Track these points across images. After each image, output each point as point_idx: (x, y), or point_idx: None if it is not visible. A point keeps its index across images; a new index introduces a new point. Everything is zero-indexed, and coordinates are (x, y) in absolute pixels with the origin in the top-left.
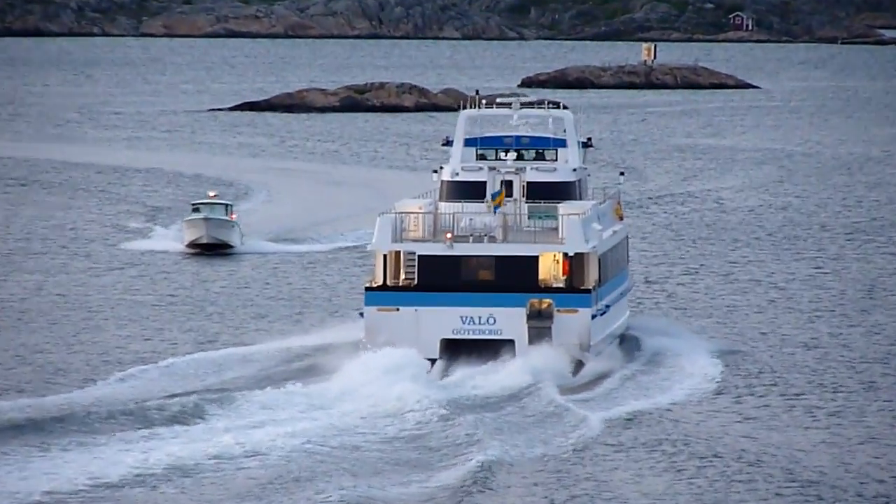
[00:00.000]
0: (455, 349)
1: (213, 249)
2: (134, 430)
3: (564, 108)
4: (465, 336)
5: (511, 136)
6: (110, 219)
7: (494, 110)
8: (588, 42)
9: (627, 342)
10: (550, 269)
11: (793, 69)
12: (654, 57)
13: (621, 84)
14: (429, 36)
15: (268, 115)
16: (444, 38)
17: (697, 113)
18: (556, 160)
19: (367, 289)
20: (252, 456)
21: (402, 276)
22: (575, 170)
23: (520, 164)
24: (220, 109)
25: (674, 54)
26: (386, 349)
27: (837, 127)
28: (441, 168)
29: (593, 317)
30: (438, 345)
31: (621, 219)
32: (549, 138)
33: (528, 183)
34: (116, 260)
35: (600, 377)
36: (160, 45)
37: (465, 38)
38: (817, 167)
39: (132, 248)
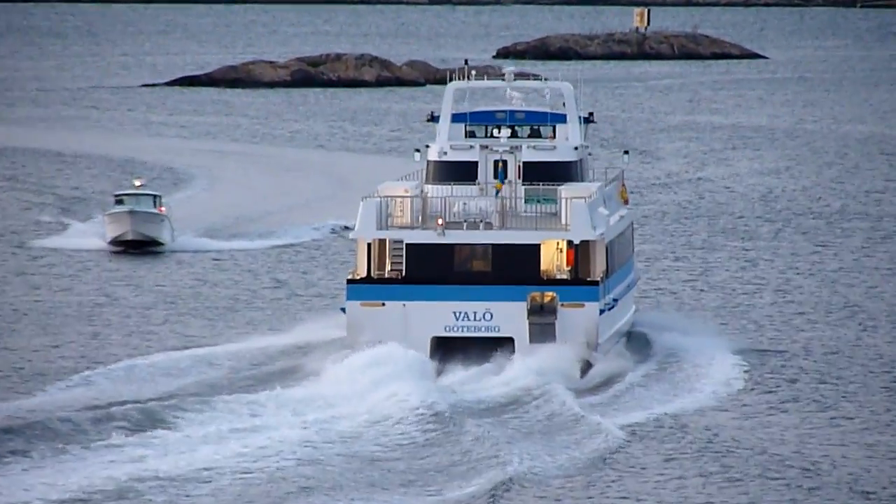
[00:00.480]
0: (447, 348)
1: (139, 247)
2: (97, 440)
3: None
4: (459, 333)
5: (504, 111)
6: (19, 212)
7: (485, 82)
8: (573, 7)
9: (635, 340)
10: (553, 258)
11: (805, 36)
12: (648, 23)
13: (610, 54)
14: (391, 1)
15: (209, 90)
16: (409, 3)
17: (698, 87)
18: (556, 137)
19: (349, 281)
20: (240, 467)
21: (389, 268)
22: (576, 148)
23: (515, 141)
24: (154, 85)
25: (670, 20)
26: (382, 346)
27: (857, 102)
28: (427, 147)
29: (601, 312)
30: (429, 343)
31: (626, 203)
32: (546, 113)
33: (525, 163)
34: (26, 260)
35: (612, 379)
36: (93, 13)
37: (432, 2)
38: (834, 147)
39: (44, 245)
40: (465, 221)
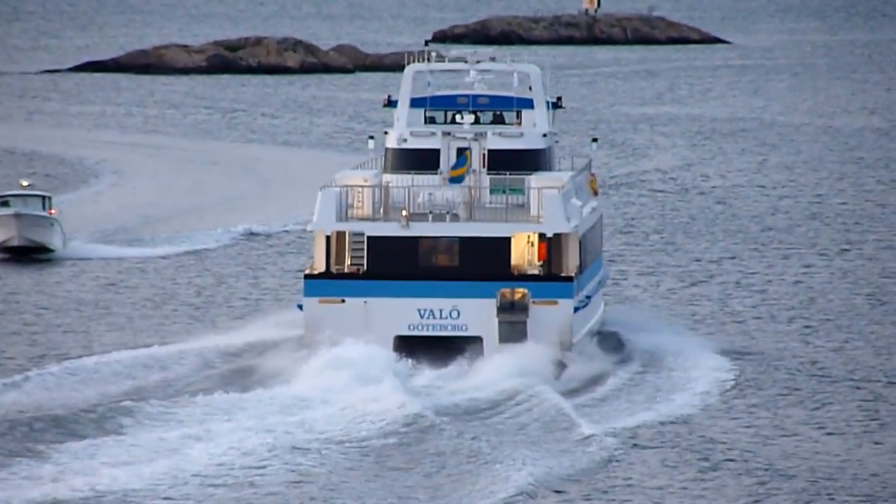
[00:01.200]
0: (411, 348)
1: (25, 253)
2: (45, 446)
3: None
4: (424, 332)
5: (466, 95)
6: None
7: (447, 64)
8: None
9: (607, 340)
10: (524, 252)
11: (772, 19)
12: (599, 5)
13: (557, 39)
14: None
15: (117, 76)
16: None
17: (653, 74)
18: (522, 123)
19: (306, 276)
20: (210, 475)
21: (348, 262)
22: (545, 135)
23: (479, 128)
24: (56, 71)
25: (623, 2)
26: (353, 344)
27: (830, 91)
28: (385, 133)
29: (575, 310)
30: (392, 343)
31: (596, 194)
32: (511, 98)
33: (490, 151)
34: None
35: (594, 381)
36: None
37: None
38: (805, 141)
39: None
40: (431, 213)
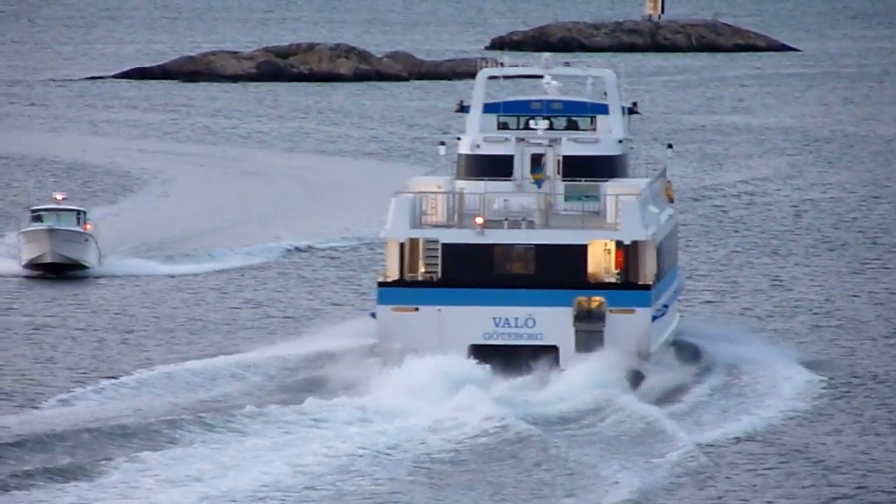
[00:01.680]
0: (485, 357)
1: (59, 271)
2: (144, 452)
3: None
4: (499, 341)
5: (540, 101)
6: None
7: (521, 69)
8: None
9: (684, 350)
10: (601, 260)
11: (842, 25)
12: (662, 10)
13: (619, 46)
14: None
15: (164, 84)
16: None
17: (719, 83)
18: (596, 129)
19: (380, 284)
20: (309, 480)
21: (422, 270)
22: (620, 141)
23: (554, 134)
24: (102, 77)
25: (687, 6)
26: (431, 354)
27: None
28: (458, 139)
29: (653, 318)
30: (466, 351)
31: (672, 201)
32: (586, 103)
33: (565, 157)
34: None
35: (676, 392)
36: None
37: None
38: (876, 152)
39: None
40: (506, 220)
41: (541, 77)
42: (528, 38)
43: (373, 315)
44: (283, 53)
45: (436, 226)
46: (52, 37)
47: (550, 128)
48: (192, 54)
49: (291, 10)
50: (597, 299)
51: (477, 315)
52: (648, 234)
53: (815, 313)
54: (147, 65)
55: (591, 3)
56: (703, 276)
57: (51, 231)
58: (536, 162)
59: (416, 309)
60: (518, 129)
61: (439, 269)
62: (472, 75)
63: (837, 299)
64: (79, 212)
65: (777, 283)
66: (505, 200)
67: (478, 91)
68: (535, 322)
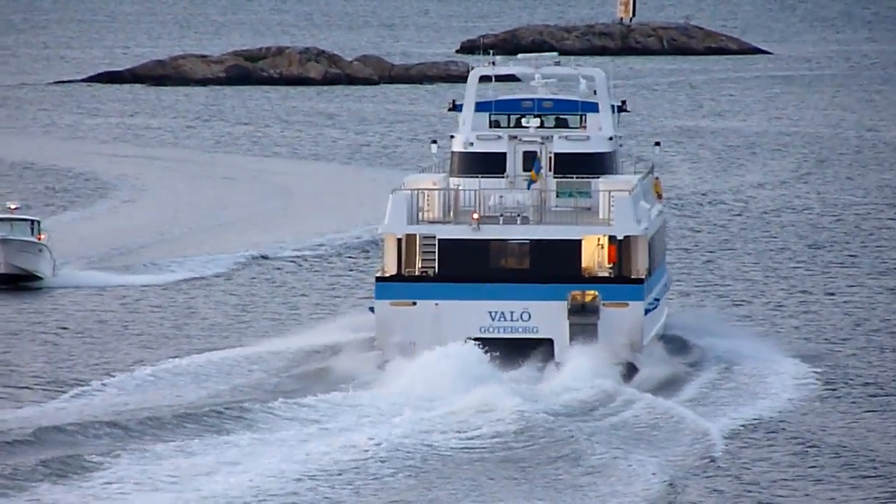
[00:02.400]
0: (481, 350)
1: (12, 281)
2: (150, 445)
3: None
4: (495, 335)
5: (531, 99)
6: None
7: (512, 68)
8: None
9: (672, 343)
10: (594, 255)
11: (814, 28)
12: (633, 14)
13: (590, 49)
14: None
15: (132, 88)
16: None
17: (690, 87)
18: (586, 127)
19: (378, 279)
20: (328, 475)
21: (419, 265)
22: (611, 138)
23: (546, 131)
24: (69, 81)
25: (659, 10)
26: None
27: (876, 104)
28: (451, 137)
29: (646, 312)
30: (461, 344)
31: (660, 198)
32: (576, 101)
33: (557, 154)
34: None
35: (666, 383)
36: None
37: None
38: (850, 156)
39: None
40: (501, 216)
41: (532, 77)
42: (499, 42)
43: (371, 309)
44: (253, 57)
45: (432, 222)
46: (20, 40)
47: (541, 126)
48: (161, 58)
49: (260, 14)
50: (591, 293)
51: (473, 309)
52: (641, 229)
53: (799, 309)
54: (116, 68)
55: (562, 6)
56: (682, 273)
57: (3, 241)
58: (531, 160)
59: (414, 303)
60: (509, 127)
61: (436, 264)
62: (443, 79)
63: (819, 295)
64: (32, 221)
65: (754, 281)
66: (500, 197)
67: (470, 90)
68: (530, 316)
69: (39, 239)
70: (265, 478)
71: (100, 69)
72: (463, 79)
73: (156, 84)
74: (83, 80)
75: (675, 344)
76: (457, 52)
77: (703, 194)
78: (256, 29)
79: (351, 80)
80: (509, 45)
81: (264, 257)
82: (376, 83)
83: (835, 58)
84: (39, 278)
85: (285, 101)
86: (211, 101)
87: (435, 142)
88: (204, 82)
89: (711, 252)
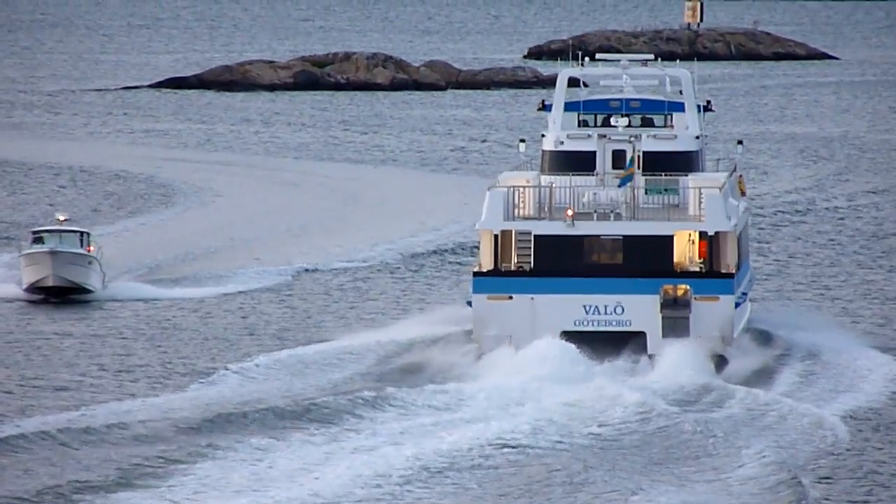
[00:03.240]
0: (575, 343)
1: (62, 295)
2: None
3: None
4: (589, 328)
5: (618, 99)
6: None
7: (601, 69)
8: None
9: (758, 337)
10: (685, 250)
11: (882, 33)
12: (701, 18)
13: (658, 54)
14: None
15: (200, 93)
16: None
17: (759, 91)
18: (674, 127)
19: (475, 274)
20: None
21: (515, 260)
22: (697, 137)
23: (634, 130)
24: (137, 87)
25: (726, 14)
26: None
27: None
28: (542, 136)
29: (735, 305)
30: (558, 337)
31: (744, 195)
32: (662, 101)
33: (645, 152)
34: None
35: (758, 375)
36: (63, 3)
37: None
38: None
39: None
40: (595, 212)
41: (620, 77)
42: (567, 47)
43: (469, 303)
44: (320, 62)
45: (527, 218)
46: (88, 46)
47: (629, 125)
48: (229, 63)
49: (328, 19)
50: (682, 287)
51: (568, 303)
52: (731, 226)
53: (876, 304)
54: (183, 74)
55: (629, 11)
56: (766, 270)
57: (52, 253)
58: (621, 158)
59: (510, 297)
60: (597, 126)
61: (532, 259)
62: (510, 84)
63: (887, 291)
64: (82, 233)
65: (835, 275)
66: (594, 193)
67: (559, 91)
68: (623, 309)
69: (89, 251)
70: (407, 461)
71: (167, 74)
72: (529, 84)
73: (223, 89)
74: (150, 86)
75: (760, 337)
76: (524, 57)
77: (777, 196)
78: (324, 34)
79: (418, 86)
80: (577, 50)
81: (314, 270)
82: (443, 88)
83: None
84: (89, 291)
85: (351, 106)
86: (279, 106)
87: (523, 140)
88: (271, 88)
89: (787, 250)
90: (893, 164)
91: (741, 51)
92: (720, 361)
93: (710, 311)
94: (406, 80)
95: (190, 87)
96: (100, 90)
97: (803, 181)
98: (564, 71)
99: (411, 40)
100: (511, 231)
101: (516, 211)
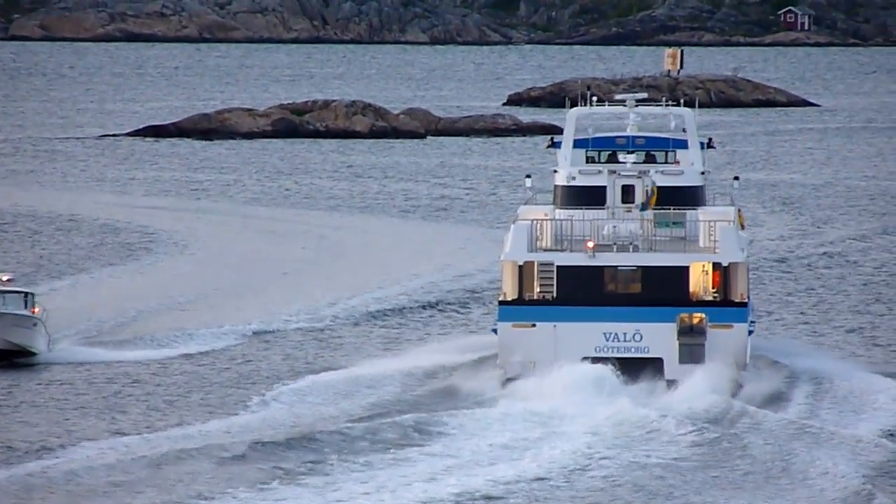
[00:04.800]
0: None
1: (4, 358)
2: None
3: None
4: (609, 354)
5: (625, 137)
6: None
7: (608, 108)
8: (594, 46)
9: (762, 363)
10: (700, 280)
11: (862, 80)
12: (681, 66)
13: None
14: (387, 40)
15: (178, 142)
16: (406, 43)
17: (739, 139)
18: (679, 162)
19: (500, 303)
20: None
21: (537, 289)
22: (702, 173)
23: (643, 166)
24: (115, 135)
25: (706, 62)
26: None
27: None
28: (554, 172)
29: (749, 332)
30: (580, 363)
31: (743, 228)
32: (667, 139)
33: (659, 188)
34: None
35: (775, 398)
36: (36, 49)
37: (434, 41)
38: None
39: None
40: (614, 244)
41: (626, 116)
42: (547, 94)
43: (494, 331)
44: (299, 111)
45: (546, 250)
46: (66, 94)
47: (636, 161)
48: (207, 111)
49: (306, 68)
50: (698, 316)
51: (589, 330)
52: (743, 257)
53: (860, 328)
54: (161, 122)
55: (609, 59)
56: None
57: None
58: (630, 193)
59: (534, 325)
60: (604, 162)
61: (554, 288)
62: (490, 131)
63: (880, 315)
64: (26, 294)
65: (825, 314)
66: (614, 226)
67: (568, 128)
68: (641, 336)
69: (34, 312)
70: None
71: (145, 123)
72: (509, 132)
73: (201, 137)
74: (127, 134)
75: (763, 363)
76: (504, 104)
77: (760, 242)
78: (302, 82)
79: (397, 134)
80: (557, 97)
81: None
82: (423, 136)
83: (883, 110)
84: (33, 354)
85: (332, 155)
86: (255, 155)
87: (529, 176)
88: (250, 135)
89: (767, 291)
90: (876, 209)
91: (721, 98)
92: (735, 386)
93: (725, 339)
94: (385, 127)
95: (168, 136)
96: (79, 138)
97: (786, 228)
98: (574, 110)
99: (389, 88)
100: (533, 262)
101: (538, 243)
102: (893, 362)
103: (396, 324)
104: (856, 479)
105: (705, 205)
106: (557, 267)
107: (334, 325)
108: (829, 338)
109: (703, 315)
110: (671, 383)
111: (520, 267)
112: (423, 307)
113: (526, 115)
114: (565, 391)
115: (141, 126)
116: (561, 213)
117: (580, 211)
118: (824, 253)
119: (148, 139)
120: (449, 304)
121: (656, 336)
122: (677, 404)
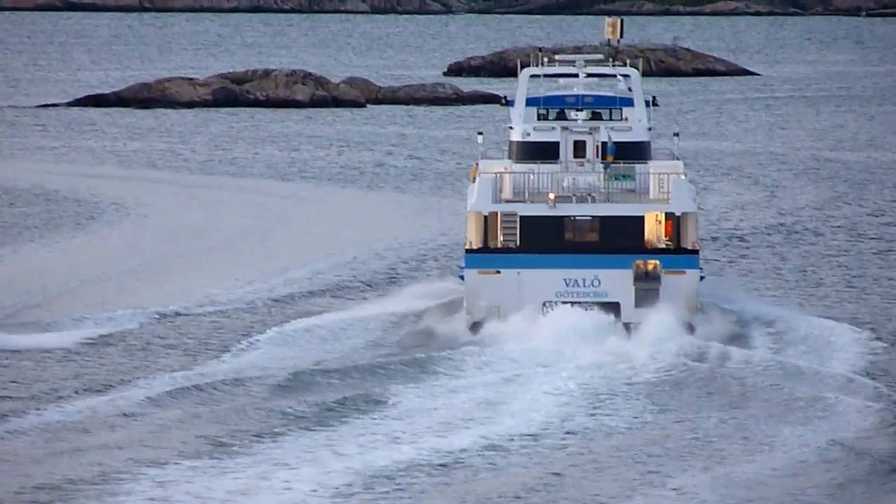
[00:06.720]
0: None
1: None
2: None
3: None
4: (569, 299)
5: (574, 95)
6: None
7: (559, 68)
8: (534, 16)
9: (708, 308)
10: (654, 229)
11: (803, 49)
12: (621, 35)
13: None
14: (327, 9)
15: (118, 111)
16: (347, 12)
17: (679, 108)
18: (627, 119)
19: (467, 251)
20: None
21: (501, 239)
22: (649, 129)
23: (593, 123)
24: (54, 105)
25: (646, 31)
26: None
27: (865, 123)
28: (509, 129)
29: (700, 279)
30: (540, 308)
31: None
32: (614, 97)
33: (603, 143)
34: None
35: (731, 339)
36: None
37: (373, 11)
38: (844, 175)
39: None
40: (574, 195)
41: (576, 75)
42: (487, 63)
43: (461, 277)
44: (240, 80)
45: (511, 201)
46: (5, 63)
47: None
48: (147, 81)
49: (246, 37)
50: (653, 262)
51: (550, 277)
52: (695, 207)
53: (804, 281)
54: (101, 91)
55: (549, 28)
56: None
57: None
58: (581, 148)
59: (499, 272)
60: (555, 119)
61: (517, 237)
62: (430, 101)
63: (816, 260)
64: None
65: (762, 261)
66: (573, 179)
67: (521, 87)
68: (600, 282)
69: None
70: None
71: (85, 92)
72: (450, 101)
73: (141, 107)
74: (68, 104)
75: (711, 309)
76: (444, 73)
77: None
78: (243, 51)
79: (338, 103)
80: (497, 66)
81: (178, 313)
82: (363, 105)
83: (823, 79)
84: None
85: (272, 125)
86: (197, 124)
87: (481, 133)
88: (190, 105)
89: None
90: (820, 180)
91: (661, 67)
92: (689, 328)
93: (678, 284)
94: (325, 96)
95: (109, 105)
96: (14, 107)
97: (732, 197)
98: (526, 70)
99: (329, 57)
100: (497, 213)
101: (500, 195)
102: (836, 308)
103: (348, 285)
104: (870, 415)
105: (650, 159)
106: (521, 217)
107: (288, 291)
108: (773, 291)
109: (658, 261)
110: (627, 326)
111: (485, 217)
112: (375, 272)
113: (466, 85)
114: (557, 334)
115: (82, 95)
116: (518, 167)
117: (536, 165)
118: (772, 219)
119: (89, 108)
120: (398, 270)
121: (614, 281)
122: (645, 345)
